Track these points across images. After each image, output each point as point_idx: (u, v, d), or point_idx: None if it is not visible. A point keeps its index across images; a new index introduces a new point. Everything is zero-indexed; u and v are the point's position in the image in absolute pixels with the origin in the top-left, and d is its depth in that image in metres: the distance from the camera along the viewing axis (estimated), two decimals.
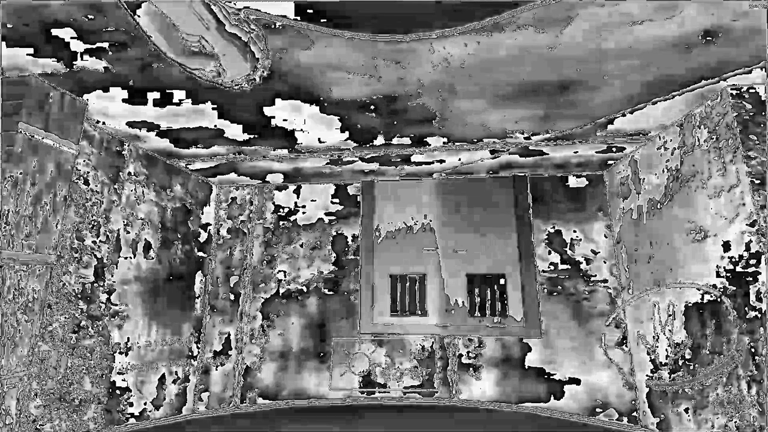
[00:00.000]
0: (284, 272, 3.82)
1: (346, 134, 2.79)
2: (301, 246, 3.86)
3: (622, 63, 1.99)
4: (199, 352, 3.67)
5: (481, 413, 2.83)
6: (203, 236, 3.81)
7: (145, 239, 3.09)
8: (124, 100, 2.42)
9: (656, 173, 2.82)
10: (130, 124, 2.67)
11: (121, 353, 2.81)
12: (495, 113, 2.49)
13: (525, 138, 2.80)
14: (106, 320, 2.71)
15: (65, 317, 2.41)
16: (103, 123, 2.65)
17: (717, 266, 2.29)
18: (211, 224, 3.93)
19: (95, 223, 2.64)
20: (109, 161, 2.76)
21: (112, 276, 2.76)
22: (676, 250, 2.61)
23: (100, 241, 2.67)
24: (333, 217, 3.88)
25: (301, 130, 2.76)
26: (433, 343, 3.46)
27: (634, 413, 3.10)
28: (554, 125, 2.63)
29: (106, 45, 1.89)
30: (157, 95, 2.32)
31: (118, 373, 2.79)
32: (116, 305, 2.79)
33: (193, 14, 1.75)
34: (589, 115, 2.49)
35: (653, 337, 2.88)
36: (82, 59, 1.98)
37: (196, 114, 2.56)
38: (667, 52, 1.93)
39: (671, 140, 2.66)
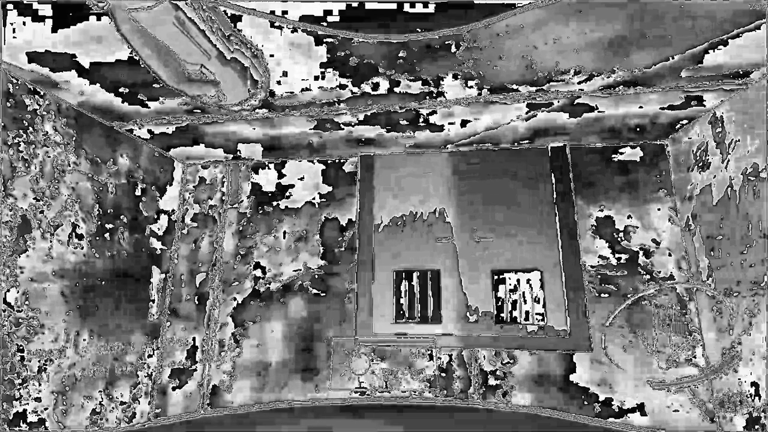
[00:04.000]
0: (262, 268, 3.07)
1: (335, 75, 2.04)
2: (284, 236, 3.10)
3: None
4: (153, 368, 2.91)
5: (481, 413, 2.58)
6: (162, 224, 3.05)
7: (73, 223, 2.33)
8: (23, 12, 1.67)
9: (761, 129, 2.06)
10: (32, 58, 1.92)
11: (27, 377, 2.05)
12: (547, 34, 1.73)
13: (581, 81, 2.04)
14: (3, 332, 1.95)
15: None
16: None
17: None
18: (171, 209, 3.17)
19: None
20: (9, 113, 2.01)
21: (13, 270, 2.00)
22: None
23: None
24: (323, 200, 3.13)
25: (278, 81, 2.02)
26: (450, 358, 2.69)
27: None
28: (626, 59, 1.88)
29: None
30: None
31: (23, 405, 2.03)
32: (21, 310, 2.03)
33: (192, 44, 1.80)
34: (684, 36, 1.73)
35: (749, 355, 2.13)
36: None
37: (119, 40, 1.81)
38: None
39: None
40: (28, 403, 2.05)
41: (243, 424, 2.78)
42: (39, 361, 2.11)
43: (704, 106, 2.33)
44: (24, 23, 1.72)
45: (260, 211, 3.18)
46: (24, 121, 2.07)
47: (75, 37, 1.79)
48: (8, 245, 1.97)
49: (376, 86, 2.12)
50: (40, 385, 2.11)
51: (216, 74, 2.00)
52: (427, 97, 2.22)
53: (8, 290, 1.97)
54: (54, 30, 1.74)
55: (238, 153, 3.08)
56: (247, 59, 1.89)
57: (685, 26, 1.68)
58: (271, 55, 1.88)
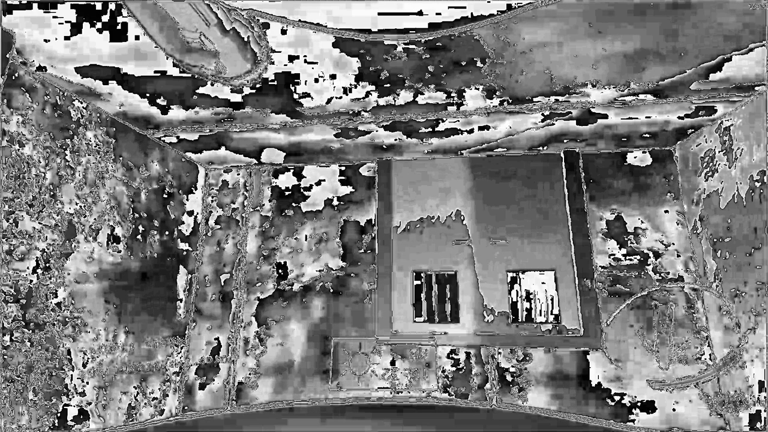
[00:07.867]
0: (285, 269, 3.18)
1: (367, 86, 2.15)
2: (305, 238, 3.22)
3: None
4: (181, 366, 3.03)
5: (481, 413, 2.64)
6: (188, 226, 3.17)
7: (111, 226, 2.45)
8: (71, 26, 1.79)
9: (765, 139, 2.18)
10: (80, 72, 2.04)
11: (73, 372, 2.17)
12: (566, 50, 1.85)
13: (597, 93, 2.16)
14: (53, 330, 2.07)
15: None
16: (45, 69, 2.01)
17: None
18: (196, 212, 3.29)
19: (36, 203, 2.01)
20: (57, 123, 2.13)
21: (61, 272, 2.12)
22: None
23: (44, 225, 2.04)
24: (342, 203, 3.24)
25: (309, 87, 2.14)
26: (468, 356, 2.82)
27: None
28: (642, 74, 2.00)
29: None
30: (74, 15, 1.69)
31: (69, 399, 2.15)
32: (68, 309, 2.15)
33: (193, 11, 1.76)
34: (698, 52, 1.85)
35: (755, 353, 2.25)
36: None
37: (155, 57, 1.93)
38: None
39: None
40: (73, 397, 2.17)
41: (245, 423, 2.87)
42: (83, 358, 2.23)
43: (713, 115, 2.45)
44: (67, 37, 1.84)
45: (282, 214, 3.30)
46: (69, 131, 2.19)
47: (122, 52, 1.91)
48: (59, 249, 2.09)
49: (399, 97, 2.24)
50: (84, 380, 2.23)
51: (215, 44, 1.95)
52: (449, 108, 2.33)
53: (57, 290, 2.09)
54: (102, 43, 1.86)
55: (259, 158, 3.20)
56: (246, 31, 1.88)
57: (699, 42, 1.80)
58: (307, 61, 1.99)
